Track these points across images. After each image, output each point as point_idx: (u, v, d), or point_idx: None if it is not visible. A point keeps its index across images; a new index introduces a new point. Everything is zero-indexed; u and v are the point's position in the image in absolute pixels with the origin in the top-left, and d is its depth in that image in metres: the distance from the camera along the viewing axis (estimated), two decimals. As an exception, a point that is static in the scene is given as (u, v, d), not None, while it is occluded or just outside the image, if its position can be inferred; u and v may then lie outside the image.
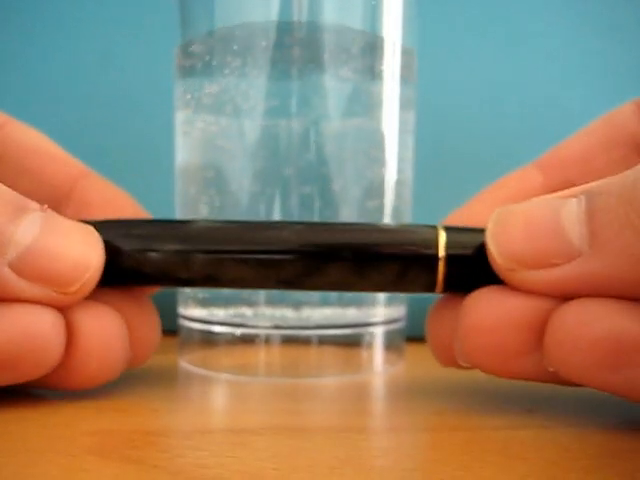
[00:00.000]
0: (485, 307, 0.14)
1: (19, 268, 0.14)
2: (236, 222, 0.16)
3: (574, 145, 0.20)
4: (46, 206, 0.15)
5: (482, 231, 0.15)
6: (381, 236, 0.16)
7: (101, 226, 0.16)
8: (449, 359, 0.16)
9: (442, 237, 0.15)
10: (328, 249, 0.15)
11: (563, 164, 0.20)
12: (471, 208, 0.20)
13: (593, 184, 0.14)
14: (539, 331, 0.14)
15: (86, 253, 0.15)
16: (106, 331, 0.15)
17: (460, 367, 0.16)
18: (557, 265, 0.13)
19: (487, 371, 0.15)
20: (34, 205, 0.15)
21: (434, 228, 0.15)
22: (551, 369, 0.14)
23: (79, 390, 0.16)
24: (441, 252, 0.15)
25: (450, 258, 0.15)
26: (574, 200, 0.14)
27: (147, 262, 0.16)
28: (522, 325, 0.14)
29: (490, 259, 0.15)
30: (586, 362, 0.13)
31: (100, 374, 0.16)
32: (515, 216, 0.14)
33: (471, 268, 0.15)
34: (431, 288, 0.16)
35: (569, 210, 0.13)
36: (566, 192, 0.14)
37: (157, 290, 0.19)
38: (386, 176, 0.21)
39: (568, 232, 0.13)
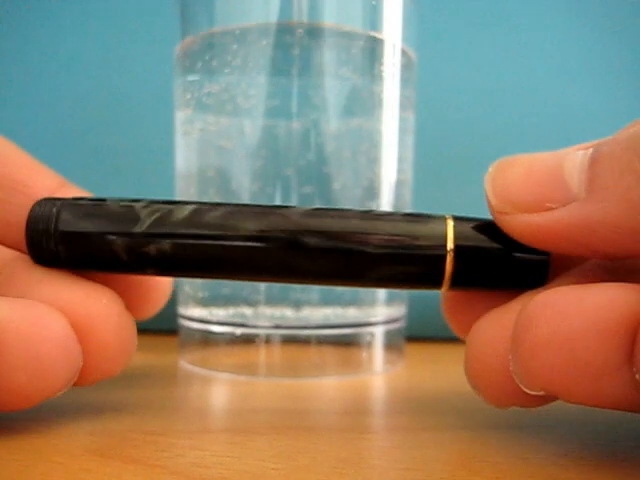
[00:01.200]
0: (556, 312, 0.11)
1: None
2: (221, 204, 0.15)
3: None
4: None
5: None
6: (381, 226, 0.14)
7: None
8: (506, 396, 0.13)
9: (450, 228, 0.14)
10: (318, 239, 0.14)
11: None
12: None
13: (604, 138, 0.13)
14: (632, 336, 0.11)
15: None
16: (37, 331, 0.12)
17: (526, 404, 0.13)
18: (551, 209, 0.13)
19: (566, 397, 0.12)
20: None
21: (442, 218, 0.14)
22: None
23: (7, 411, 0.13)
24: (450, 244, 0.14)
25: (459, 251, 0.14)
26: (581, 152, 0.13)
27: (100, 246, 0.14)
28: (612, 331, 0.11)
29: (486, 200, 0.14)
30: None
31: (29, 392, 0.13)
32: (517, 161, 0.14)
33: (483, 262, 0.14)
34: (437, 284, 0.14)
35: (573, 159, 0.13)
36: (575, 147, 0.13)
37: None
38: (386, 176, 0.21)
39: (567, 178, 0.13)
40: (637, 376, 0.11)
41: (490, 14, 0.29)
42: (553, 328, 0.11)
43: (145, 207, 0.14)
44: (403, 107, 0.21)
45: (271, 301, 0.20)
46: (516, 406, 0.13)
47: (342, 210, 0.15)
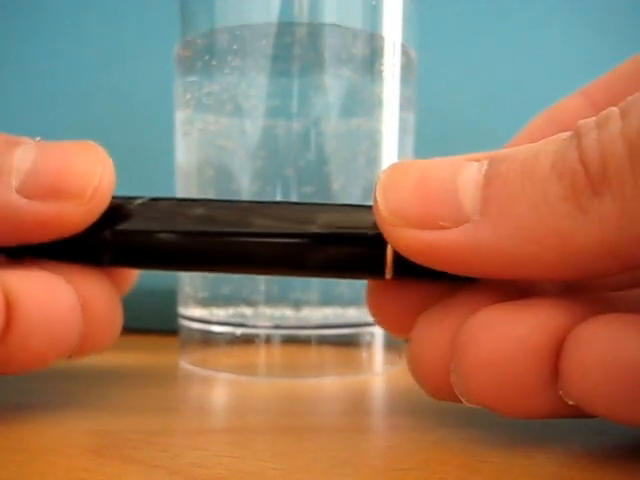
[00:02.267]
0: (491, 336, 0.12)
1: (26, 192, 0.13)
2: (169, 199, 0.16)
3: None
4: (39, 138, 0.14)
5: None
6: (325, 215, 0.14)
7: None
8: (446, 393, 0.13)
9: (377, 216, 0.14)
10: (267, 221, 0.14)
11: (609, 89, 0.18)
12: (518, 143, 0.18)
13: (499, 151, 0.13)
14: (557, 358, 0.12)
15: (90, 161, 0.14)
16: (50, 299, 0.13)
17: (457, 402, 0.13)
18: (443, 228, 0.12)
19: (499, 411, 0.13)
20: (25, 139, 0.14)
21: None
22: (571, 402, 0.12)
23: (21, 372, 0.14)
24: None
25: None
26: (475, 164, 0.12)
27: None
28: (542, 353, 0.12)
29: (375, 211, 0.13)
30: (621, 395, 0.11)
31: (45, 350, 0.14)
32: (411, 170, 0.13)
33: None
34: (380, 273, 0.14)
35: (468, 173, 0.12)
36: (472, 155, 0.13)
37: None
38: (386, 176, 0.21)
39: (461, 195, 0.12)
40: (561, 392, 0.12)
41: (490, 14, 0.29)
42: (488, 351, 0.12)
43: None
44: (403, 107, 0.21)
45: (271, 301, 0.20)
46: (452, 401, 0.14)
47: (288, 202, 0.16)
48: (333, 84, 0.20)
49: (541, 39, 0.29)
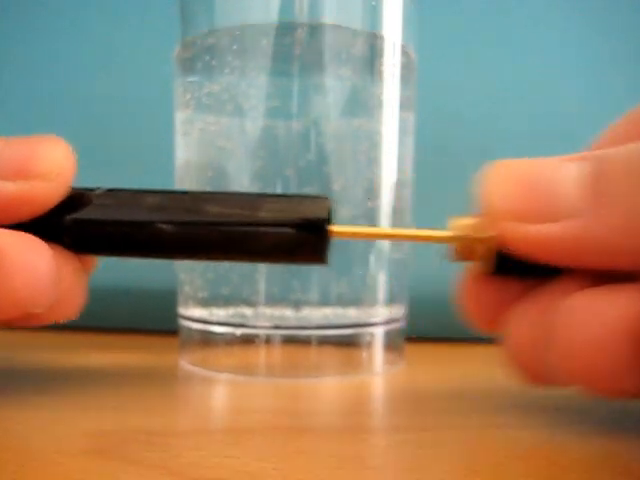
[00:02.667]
0: (589, 315, 0.13)
1: None
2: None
3: None
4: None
5: None
6: (270, 205, 0.15)
7: None
8: (539, 374, 0.14)
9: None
10: (214, 208, 0.15)
11: None
12: (603, 145, 0.19)
13: (598, 152, 0.13)
14: None
15: (53, 146, 0.15)
16: (32, 253, 0.15)
17: (552, 385, 0.14)
18: (553, 221, 0.13)
19: (594, 390, 0.13)
20: None
21: (325, 199, 0.15)
22: None
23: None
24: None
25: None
26: (574, 163, 0.13)
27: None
28: (635, 333, 0.12)
29: (483, 207, 0.14)
30: None
31: (22, 298, 0.14)
32: (515, 168, 0.14)
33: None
34: (322, 259, 0.15)
35: (568, 171, 0.13)
36: (565, 157, 0.14)
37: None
38: (386, 176, 0.21)
39: (568, 190, 0.13)
40: None
41: (490, 14, 0.29)
42: (582, 332, 0.12)
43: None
44: (403, 107, 0.21)
45: (271, 301, 0.20)
46: (551, 385, 0.14)
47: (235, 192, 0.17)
48: (333, 84, 0.20)
49: (541, 39, 0.29)
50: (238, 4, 0.20)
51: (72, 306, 0.16)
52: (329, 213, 0.15)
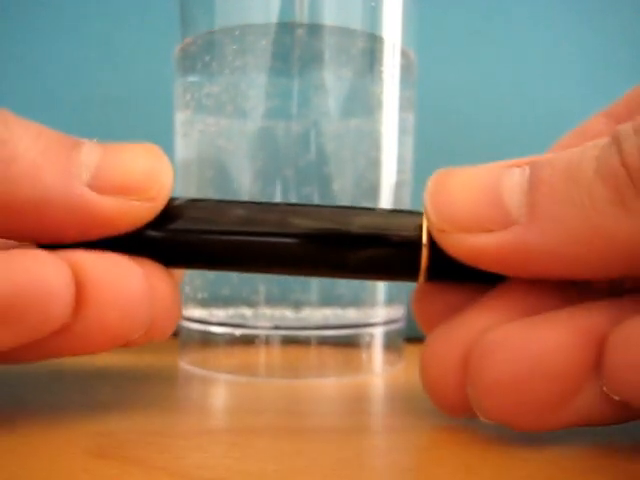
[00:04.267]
0: (505, 357, 0.12)
1: (97, 186, 0.14)
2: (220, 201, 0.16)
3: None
4: (96, 139, 0.15)
5: None
6: (363, 219, 0.15)
7: None
8: (456, 409, 0.14)
9: (426, 222, 0.14)
10: (306, 231, 0.15)
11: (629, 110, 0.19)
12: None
13: (540, 157, 0.13)
14: (587, 367, 0.12)
15: (152, 160, 0.15)
16: (124, 281, 0.14)
17: (471, 417, 0.14)
18: (491, 231, 0.13)
19: (516, 427, 0.13)
20: (85, 139, 0.15)
21: (420, 214, 0.15)
22: (616, 398, 0.12)
23: (98, 351, 0.14)
24: (425, 238, 0.14)
25: (435, 244, 0.14)
26: (517, 169, 0.13)
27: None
28: (555, 375, 0.12)
29: (425, 218, 0.14)
30: None
31: (118, 331, 0.14)
32: (456, 178, 0.14)
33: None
34: (414, 276, 0.15)
35: (510, 178, 0.13)
36: (511, 162, 0.14)
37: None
38: (385, 177, 0.21)
39: (506, 199, 0.13)
40: (605, 389, 0.12)
41: (490, 14, 0.29)
42: (502, 372, 0.12)
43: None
44: (403, 107, 0.21)
45: (271, 302, 0.20)
46: (466, 417, 0.14)
47: (324, 205, 0.16)
48: (333, 85, 0.20)
49: (541, 39, 0.29)
50: (238, 4, 0.20)
51: (168, 325, 0.16)
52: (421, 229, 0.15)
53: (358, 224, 0.15)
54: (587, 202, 0.12)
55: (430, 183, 0.14)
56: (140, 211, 0.14)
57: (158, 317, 0.15)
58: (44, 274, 0.13)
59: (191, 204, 0.15)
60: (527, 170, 0.13)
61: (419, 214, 0.15)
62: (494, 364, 0.13)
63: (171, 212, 0.15)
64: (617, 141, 0.12)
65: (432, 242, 0.14)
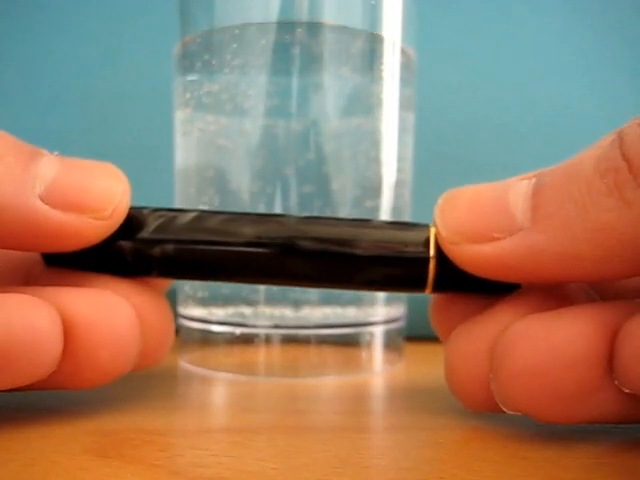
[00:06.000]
0: (528, 346, 0.13)
1: (49, 200, 0.14)
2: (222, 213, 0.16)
3: None
4: (57, 152, 0.15)
5: None
6: (370, 232, 0.15)
7: None
8: (482, 403, 0.14)
9: (433, 235, 0.15)
10: (313, 244, 0.15)
11: None
12: None
13: (544, 169, 0.14)
14: (607, 358, 0.12)
15: (111, 179, 0.15)
16: (111, 319, 0.14)
17: (496, 411, 0.14)
18: (498, 239, 0.13)
19: (540, 418, 0.13)
20: (46, 151, 0.15)
21: (426, 227, 0.15)
22: (627, 390, 0.12)
23: (89, 387, 0.15)
24: (432, 251, 0.15)
25: (441, 257, 0.15)
26: (525, 181, 0.13)
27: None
28: (580, 360, 0.12)
29: (435, 232, 0.15)
30: None
31: (109, 369, 0.14)
32: (465, 193, 0.14)
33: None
34: (421, 288, 0.15)
35: (517, 189, 0.13)
36: (522, 176, 0.14)
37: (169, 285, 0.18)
38: (385, 176, 0.21)
39: (512, 208, 0.13)
40: (616, 382, 0.12)
41: (490, 14, 0.29)
42: (526, 361, 0.13)
43: (151, 213, 0.16)
44: (403, 107, 0.21)
45: (271, 301, 0.20)
46: (490, 411, 0.14)
47: (333, 218, 0.16)
48: (333, 84, 0.20)
49: (541, 39, 0.29)
50: (238, 3, 0.20)
51: (160, 351, 0.16)
52: (429, 245, 0.15)
53: (363, 246, 0.15)
54: (586, 198, 0.12)
55: (440, 200, 0.15)
56: (91, 229, 0.14)
57: (149, 346, 0.15)
58: (35, 321, 0.13)
59: (197, 219, 0.15)
60: (534, 180, 0.13)
61: (422, 226, 0.15)
62: (517, 353, 0.13)
63: (170, 228, 0.15)
64: (620, 136, 0.12)
65: (439, 254, 0.15)
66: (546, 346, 0.12)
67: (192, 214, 0.15)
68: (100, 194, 0.14)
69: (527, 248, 0.13)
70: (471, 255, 0.14)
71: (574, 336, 0.12)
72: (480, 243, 0.13)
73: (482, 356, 0.14)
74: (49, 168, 0.14)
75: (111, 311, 0.14)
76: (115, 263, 0.15)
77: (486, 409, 0.14)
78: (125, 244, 0.15)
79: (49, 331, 0.13)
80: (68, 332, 0.14)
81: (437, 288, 0.15)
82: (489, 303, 0.15)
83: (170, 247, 0.15)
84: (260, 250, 0.15)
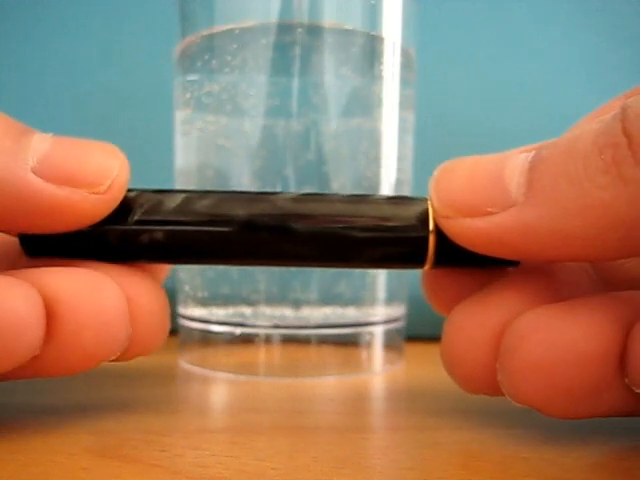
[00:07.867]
0: (540, 341, 0.12)
1: (42, 173, 0.13)
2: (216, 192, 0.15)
3: None
4: (52, 133, 0.14)
5: None
6: (368, 207, 0.15)
7: None
8: (479, 385, 0.14)
9: (431, 209, 0.14)
10: (307, 224, 0.14)
11: None
12: None
13: (543, 142, 0.13)
14: (619, 356, 0.12)
15: (107, 154, 0.14)
16: (96, 298, 0.13)
17: (497, 394, 0.14)
18: (492, 214, 0.13)
19: (547, 413, 0.13)
20: (39, 131, 0.14)
21: (424, 200, 0.14)
22: (638, 390, 0.12)
23: (73, 373, 0.14)
24: (431, 226, 0.14)
25: (440, 231, 0.14)
26: (523, 155, 0.13)
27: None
28: (590, 361, 0.12)
29: (430, 205, 0.14)
30: None
31: (94, 352, 0.13)
32: (461, 165, 0.14)
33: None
34: (420, 263, 0.15)
35: (514, 162, 0.13)
36: (521, 148, 0.13)
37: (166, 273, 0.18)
38: (385, 175, 0.21)
39: (507, 182, 0.13)
40: (627, 380, 0.12)
41: (490, 14, 0.29)
42: (536, 356, 0.12)
43: (137, 197, 0.15)
44: (403, 107, 0.21)
45: (271, 301, 0.20)
46: (487, 394, 0.14)
47: (327, 195, 0.15)
48: (333, 84, 0.20)
49: (541, 38, 0.29)
50: (238, 3, 0.20)
51: (154, 339, 0.15)
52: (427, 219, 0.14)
53: (360, 224, 0.14)
54: (582, 174, 0.12)
55: (436, 171, 0.14)
56: (87, 205, 0.13)
57: (141, 332, 0.14)
58: (14, 304, 0.12)
59: (185, 202, 0.15)
60: (532, 153, 0.13)
61: (421, 200, 0.14)
62: (528, 348, 0.12)
63: (157, 210, 0.14)
64: (622, 110, 0.12)
65: (438, 229, 0.14)
66: (558, 342, 0.12)
67: (181, 196, 0.15)
68: (95, 168, 0.14)
69: (519, 224, 0.12)
70: (463, 229, 0.13)
71: (588, 334, 0.12)
72: (473, 217, 0.13)
73: (486, 341, 0.13)
74: (42, 142, 0.14)
75: (96, 289, 0.13)
76: (100, 250, 0.15)
77: (484, 392, 0.14)
78: (111, 229, 0.14)
79: (29, 315, 0.12)
80: (50, 312, 0.13)
81: (437, 263, 0.15)
82: (486, 274, 0.15)
83: (159, 233, 0.14)
84: (253, 232, 0.14)
